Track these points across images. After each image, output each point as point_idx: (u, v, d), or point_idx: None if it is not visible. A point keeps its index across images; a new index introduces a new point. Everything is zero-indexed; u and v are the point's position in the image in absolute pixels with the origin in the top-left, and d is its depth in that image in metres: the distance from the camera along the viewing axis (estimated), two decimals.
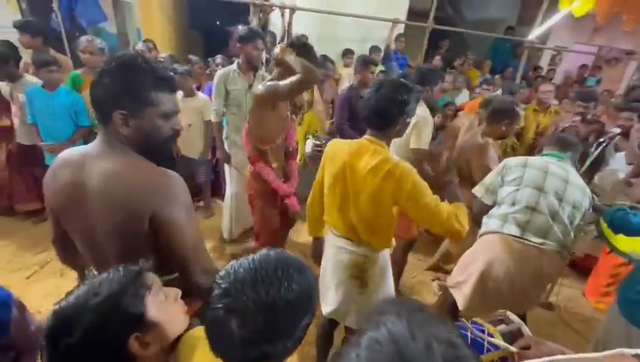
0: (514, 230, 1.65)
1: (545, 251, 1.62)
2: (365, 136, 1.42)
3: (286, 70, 1.80)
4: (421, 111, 2.23)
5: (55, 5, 3.19)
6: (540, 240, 1.62)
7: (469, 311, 1.66)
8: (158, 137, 0.96)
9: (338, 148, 1.47)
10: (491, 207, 1.80)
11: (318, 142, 3.33)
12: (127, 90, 0.89)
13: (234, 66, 2.67)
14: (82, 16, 3.60)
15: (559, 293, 2.64)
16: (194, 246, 0.97)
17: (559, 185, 1.64)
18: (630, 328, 1.41)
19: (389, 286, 1.60)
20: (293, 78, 1.70)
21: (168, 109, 0.95)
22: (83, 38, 2.83)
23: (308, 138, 3.40)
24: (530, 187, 1.65)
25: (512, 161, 1.80)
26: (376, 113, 1.35)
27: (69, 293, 0.70)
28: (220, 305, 0.63)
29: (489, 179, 1.85)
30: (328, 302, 1.60)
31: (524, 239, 1.64)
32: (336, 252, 1.54)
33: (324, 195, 1.55)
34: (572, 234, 1.65)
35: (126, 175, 0.91)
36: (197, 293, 0.96)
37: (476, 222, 2.08)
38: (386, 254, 1.57)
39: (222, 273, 0.67)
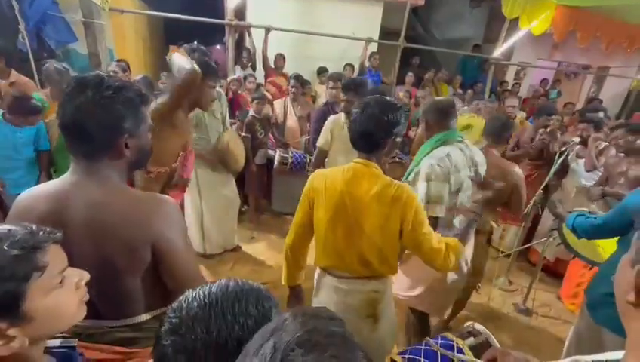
0: None
1: None
2: (356, 159, 1.30)
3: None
4: None
5: (22, 26, 3.10)
6: None
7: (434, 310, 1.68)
8: (148, 150, 0.96)
9: (329, 179, 1.31)
10: None
11: (285, 155, 3.33)
12: (127, 112, 0.85)
13: None
14: (51, 37, 3.52)
15: (535, 298, 2.70)
16: (196, 270, 0.96)
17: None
18: (601, 329, 1.46)
19: (394, 313, 1.53)
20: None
21: (149, 121, 0.95)
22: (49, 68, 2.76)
23: (277, 150, 3.40)
24: None
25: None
26: (364, 136, 1.24)
27: None
28: (167, 342, 0.57)
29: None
30: None
31: None
32: (342, 296, 1.41)
33: (318, 236, 1.38)
34: None
35: (120, 204, 0.86)
36: None
37: None
38: (389, 281, 1.49)
39: (174, 304, 0.60)
